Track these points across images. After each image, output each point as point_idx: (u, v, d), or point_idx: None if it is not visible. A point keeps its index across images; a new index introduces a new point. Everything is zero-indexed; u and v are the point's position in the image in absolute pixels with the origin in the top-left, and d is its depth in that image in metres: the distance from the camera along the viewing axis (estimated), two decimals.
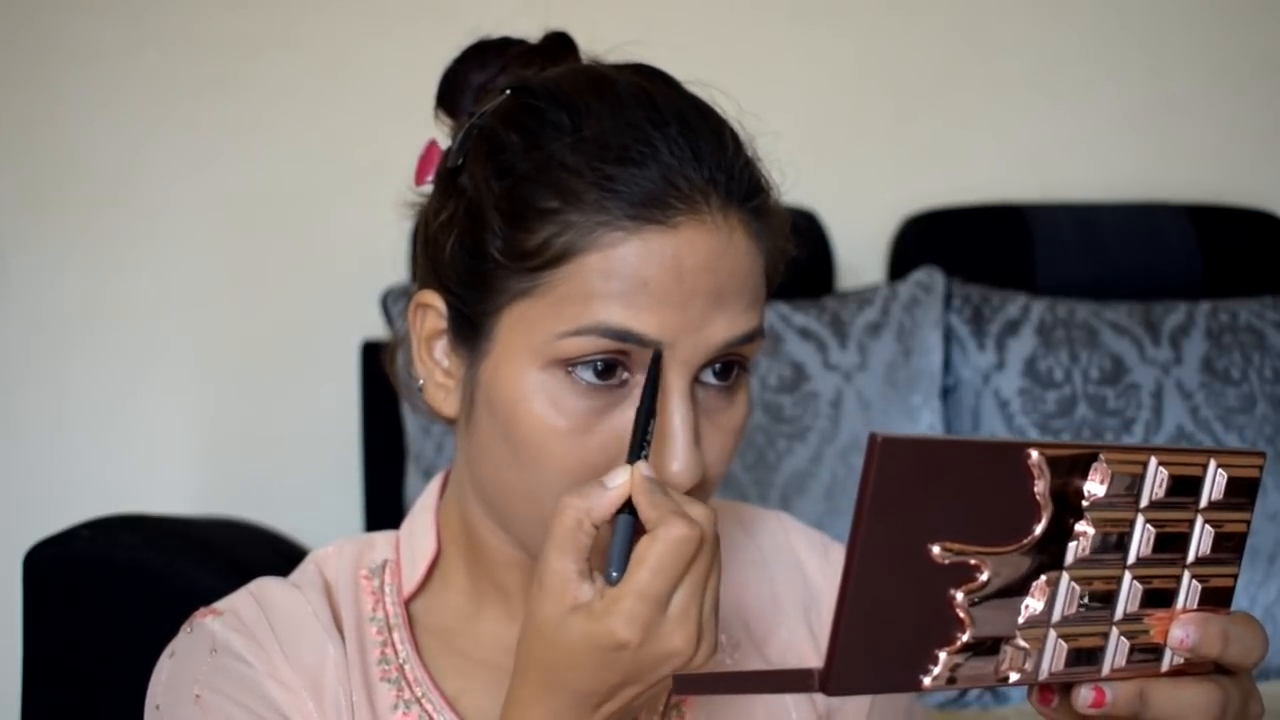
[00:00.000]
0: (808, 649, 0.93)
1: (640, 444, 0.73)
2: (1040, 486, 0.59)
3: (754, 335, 0.78)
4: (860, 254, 2.03)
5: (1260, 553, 1.77)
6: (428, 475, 1.63)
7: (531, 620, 0.70)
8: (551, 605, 0.69)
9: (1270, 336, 1.88)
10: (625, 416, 0.76)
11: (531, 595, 0.71)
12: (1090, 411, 1.80)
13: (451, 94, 0.88)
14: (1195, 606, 0.65)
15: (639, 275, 0.74)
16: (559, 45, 0.88)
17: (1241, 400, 1.83)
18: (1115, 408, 1.80)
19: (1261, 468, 0.65)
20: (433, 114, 0.89)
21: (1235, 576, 0.66)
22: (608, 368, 0.75)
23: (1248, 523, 0.66)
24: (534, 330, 0.75)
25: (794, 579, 0.95)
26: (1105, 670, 0.63)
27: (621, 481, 0.71)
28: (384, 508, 1.74)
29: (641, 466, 0.72)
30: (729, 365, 0.78)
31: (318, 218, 1.94)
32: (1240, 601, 1.76)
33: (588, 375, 0.75)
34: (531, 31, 0.89)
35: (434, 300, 0.82)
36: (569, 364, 0.75)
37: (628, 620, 0.67)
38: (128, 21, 1.89)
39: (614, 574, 0.69)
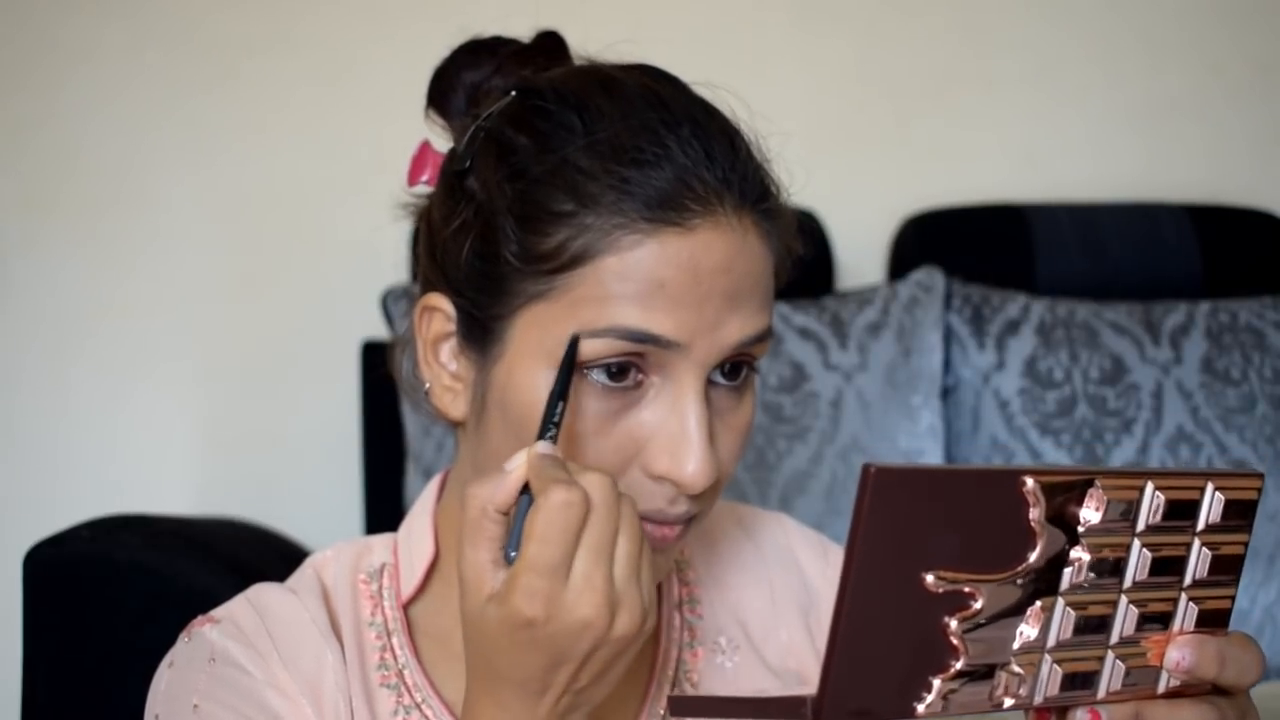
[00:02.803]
0: (806, 651, 0.93)
1: (546, 425, 0.72)
2: (1035, 514, 0.59)
3: (765, 335, 0.78)
4: (860, 254, 2.02)
5: (1260, 553, 1.77)
6: (428, 475, 1.62)
7: (463, 618, 0.70)
8: (472, 598, 0.68)
9: (1270, 336, 1.87)
10: (640, 418, 0.76)
11: (459, 594, 0.70)
12: (1090, 411, 1.80)
13: (443, 93, 0.87)
14: (1192, 628, 0.65)
15: (655, 277, 0.73)
16: (551, 45, 0.87)
17: (1241, 400, 1.83)
18: (1115, 408, 1.80)
19: (1259, 490, 0.65)
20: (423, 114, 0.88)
21: (1233, 598, 0.66)
22: (621, 370, 0.75)
23: (1245, 544, 0.66)
24: (549, 333, 0.75)
25: (793, 581, 0.95)
26: (1101, 694, 0.63)
27: (519, 464, 0.70)
28: (384, 508, 1.74)
29: (540, 446, 0.70)
30: (738, 365, 0.78)
31: (318, 218, 1.94)
32: (1240, 602, 1.76)
33: (602, 378, 0.75)
34: (524, 34, 0.88)
35: (440, 303, 0.81)
36: (584, 366, 0.74)
37: (527, 596, 0.66)
38: (128, 21, 1.89)
39: (512, 554, 0.68)
